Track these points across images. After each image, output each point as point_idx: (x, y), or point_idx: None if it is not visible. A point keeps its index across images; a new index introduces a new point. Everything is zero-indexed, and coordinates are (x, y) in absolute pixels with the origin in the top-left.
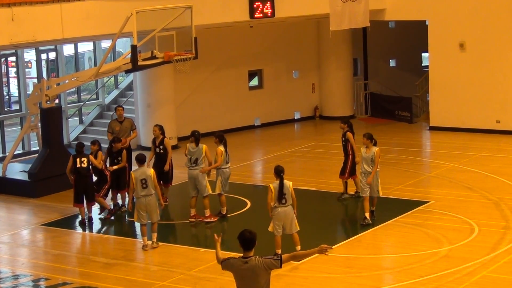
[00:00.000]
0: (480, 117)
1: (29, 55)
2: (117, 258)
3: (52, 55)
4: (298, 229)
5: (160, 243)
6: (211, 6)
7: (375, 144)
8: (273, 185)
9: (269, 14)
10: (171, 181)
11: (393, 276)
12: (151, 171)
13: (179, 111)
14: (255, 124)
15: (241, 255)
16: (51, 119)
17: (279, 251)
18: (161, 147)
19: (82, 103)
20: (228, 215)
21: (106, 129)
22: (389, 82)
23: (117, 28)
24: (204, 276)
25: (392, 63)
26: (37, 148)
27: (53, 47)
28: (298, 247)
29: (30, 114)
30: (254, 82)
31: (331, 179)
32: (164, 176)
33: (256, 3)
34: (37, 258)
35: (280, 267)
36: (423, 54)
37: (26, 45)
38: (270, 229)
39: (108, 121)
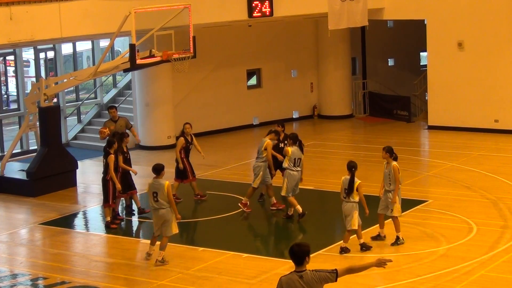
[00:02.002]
0: (479, 116)
1: (28, 54)
2: (116, 257)
3: (50, 54)
4: (351, 228)
5: (158, 242)
6: (210, 5)
7: (395, 159)
8: (343, 178)
9: (267, 13)
10: (193, 176)
11: (391, 275)
12: (165, 184)
13: (178, 110)
14: (254, 123)
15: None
16: (50, 118)
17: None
18: (193, 142)
19: (80, 102)
20: (226, 214)
21: None
22: (387, 81)
23: (115, 27)
24: (202, 275)
25: (391, 62)
26: (36, 147)
27: (51, 46)
28: (343, 244)
29: (28, 113)
30: (253, 81)
31: (330, 178)
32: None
33: (255, 2)
34: (35, 257)
35: (335, 280)
36: (421, 53)
37: (24, 44)
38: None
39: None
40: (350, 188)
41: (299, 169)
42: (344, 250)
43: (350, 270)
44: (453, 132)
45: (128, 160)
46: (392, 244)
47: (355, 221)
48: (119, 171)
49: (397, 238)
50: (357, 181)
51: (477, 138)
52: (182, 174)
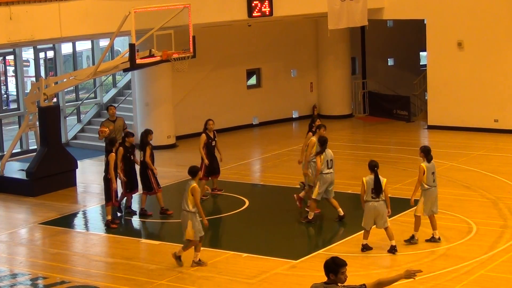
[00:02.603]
0: (478, 116)
1: (27, 54)
2: (115, 257)
3: (50, 54)
4: (388, 225)
5: (158, 242)
6: (209, 5)
7: (428, 161)
8: (366, 178)
9: (267, 13)
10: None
11: (391, 275)
12: (190, 186)
13: (177, 110)
14: (253, 123)
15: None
16: (49, 118)
17: (365, 242)
18: (216, 139)
19: (80, 102)
20: (226, 214)
21: None
22: (387, 81)
23: (115, 27)
24: (202, 275)
25: (390, 62)
26: (35, 147)
27: (51, 45)
28: (393, 242)
29: (28, 112)
30: (252, 81)
31: None
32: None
33: (254, 2)
34: (35, 257)
35: None
36: (421, 53)
37: (24, 44)
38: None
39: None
40: (379, 187)
41: (331, 171)
42: (394, 249)
43: (379, 284)
44: (453, 132)
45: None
46: (406, 241)
47: (387, 219)
48: (122, 169)
49: (413, 236)
50: (384, 179)
51: (476, 138)
52: (209, 170)
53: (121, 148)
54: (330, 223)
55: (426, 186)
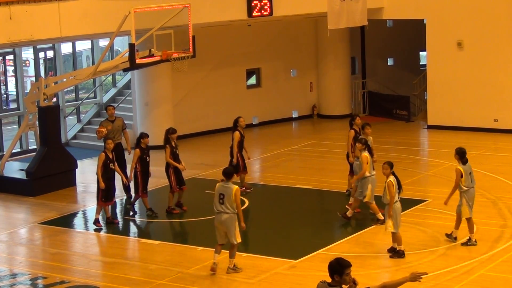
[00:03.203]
0: (478, 116)
1: (27, 54)
2: (115, 257)
3: (50, 54)
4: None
5: (158, 242)
6: (209, 5)
7: (463, 163)
8: (391, 180)
9: (267, 13)
10: (244, 170)
11: (390, 275)
12: (233, 189)
13: (177, 110)
14: (253, 123)
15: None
16: (49, 118)
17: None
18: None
19: (80, 102)
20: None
21: None
22: (387, 80)
23: (115, 27)
24: (202, 275)
25: (390, 61)
26: (35, 147)
27: (51, 45)
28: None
29: (28, 112)
30: (252, 80)
31: (329, 178)
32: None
33: (254, 2)
34: (35, 257)
35: None
36: (421, 53)
37: (24, 44)
38: (391, 229)
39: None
40: (400, 187)
41: (374, 172)
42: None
43: (384, 287)
44: (453, 131)
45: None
46: (463, 244)
47: None
48: (139, 170)
49: (469, 239)
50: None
51: (476, 138)
52: (236, 168)
53: (137, 150)
54: (329, 223)
55: (464, 187)
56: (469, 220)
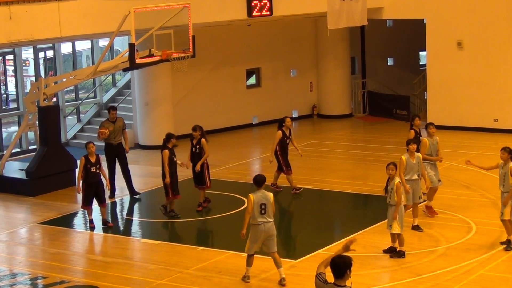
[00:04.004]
0: (478, 116)
1: (27, 54)
2: (115, 257)
3: (50, 54)
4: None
5: (158, 242)
6: (209, 5)
7: None
8: (400, 181)
9: (267, 13)
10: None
11: (390, 275)
12: (271, 196)
13: (177, 110)
14: (253, 123)
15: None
16: (49, 118)
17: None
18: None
19: (79, 102)
20: (226, 214)
21: None
22: (387, 80)
23: (115, 27)
24: (201, 275)
25: (390, 61)
26: (35, 147)
27: (51, 45)
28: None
29: (27, 112)
30: (252, 80)
31: (329, 178)
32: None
33: (254, 2)
34: (34, 257)
35: None
36: (421, 53)
37: (24, 43)
38: (397, 230)
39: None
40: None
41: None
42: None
43: (326, 266)
44: (453, 131)
45: (194, 155)
46: (506, 249)
47: None
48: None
49: (509, 241)
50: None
51: (476, 138)
52: (280, 168)
53: (166, 151)
54: (329, 223)
55: None
56: (507, 222)
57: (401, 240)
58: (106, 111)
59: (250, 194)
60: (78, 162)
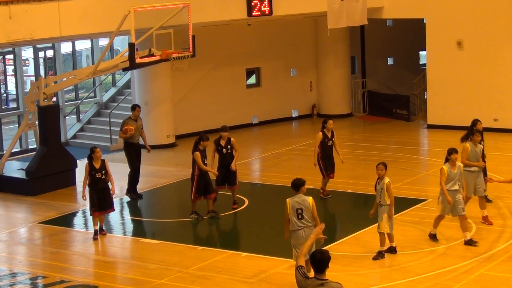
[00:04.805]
0: (478, 115)
1: (27, 53)
2: (115, 256)
3: (49, 53)
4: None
5: (158, 241)
6: (209, 4)
7: None
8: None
9: (266, 12)
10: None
11: (390, 274)
12: (310, 200)
13: (177, 109)
14: (253, 122)
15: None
16: (49, 117)
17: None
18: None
19: (79, 101)
20: (225, 213)
21: (104, 127)
22: (387, 80)
23: (114, 26)
24: (201, 274)
25: (390, 61)
26: (35, 146)
27: (50, 45)
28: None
29: (27, 112)
30: (252, 80)
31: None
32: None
33: (254, 1)
34: (34, 256)
35: None
36: (420, 52)
37: (23, 43)
38: (386, 230)
39: (106, 119)
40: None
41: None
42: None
43: (304, 256)
44: (452, 131)
45: (226, 155)
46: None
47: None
48: (197, 174)
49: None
50: (387, 179)
51: None
52: (321, 172)
53: (197, 153)
54: (329, 222)
55: None
56: None
57: (391, 237)
58: (106, 110)
59: (287, 199)
60: (79, 162)
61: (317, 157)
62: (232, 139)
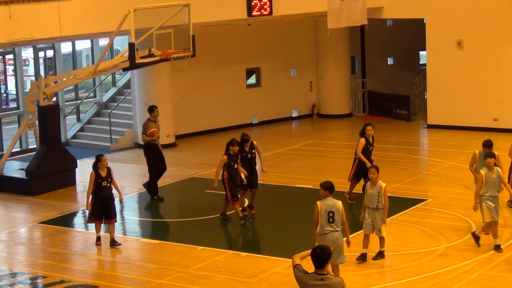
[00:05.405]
0: (478, 115)
1: (27, 53)
2: (115, 256)
3: (49, 53)
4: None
5: (158, 241)
6: (209, 4)
7: None
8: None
9: (266, 12)
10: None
11: (390, 274)
12: (340, 204)
13: (177, 109)
14: (253, 122)
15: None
16: (49, 117)
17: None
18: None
19: (79, 101)
20: (224, 214)
21: (104, 127)
22: (386, 80)
23: (114, 26)
24: (201, 274)
25: (390, 61)
26: (35, 146)
27: (50, 45)
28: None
29: (27, 112)
30: (252, 80)
31: (329, 177)
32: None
33: (254, 1)
34: (34, 256)
35: None
36: (420, 52)
37: (23, 43)
38: (384, 233)
39: (106, 119)
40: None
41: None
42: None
43: (302, 257)
44: (452, 131)
45: (251, 160)
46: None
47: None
48: (226, 178)
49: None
50: (383, 184)
51: (476, 137)
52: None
53: (224, 156)
54: None
55: None
56: None
57: (384, 241)
58: (106, 110)
59: (318, 202)
60: (79, 162)
61: (355, 161)
62: (254, 142)
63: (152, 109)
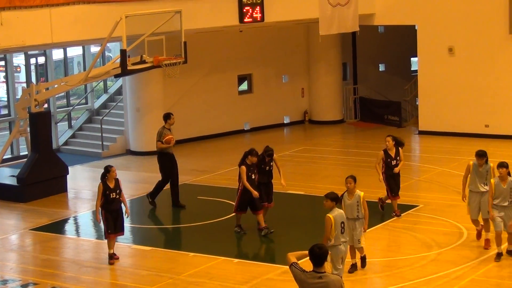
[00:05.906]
0: (469, 121)
1: (18, 60)
2: (106, 263)
3: (41, 60)
4: None
5: (150, 248)
6: (201, 11)
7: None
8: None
9: (258, 19)
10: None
11: (382, 280)
12: (362, 194)
13: None
14: (245, 129)
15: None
16: (40, 124)
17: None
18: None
19: (71, 108)
20: (217, 220)
21: (95, 133)
22: (378, 86)
23: (106, 33)
24: (193, 281)
25: (381, 67)
26: (26, 153)
27: (42, 51)
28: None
29: (19, 118)
30: (244, 86)
31: (320, 183)
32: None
33: (246, 8)
34: (25, 263)
35: None
36: (412, 59)
37: (15, 50)
38: (365, 243)
39: (98, 125)
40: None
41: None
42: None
43: (299, 257)
44: (444, 137)
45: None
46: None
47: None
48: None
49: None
50: (361, 193)
51: (467, 143)
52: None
53: (243, 167)
54: (321, 228)
55: None
56: None
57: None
58: (97, 117)
59: (328, 215)
60: (70, 168)
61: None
62: (275, 156)
63: (168, 116)
